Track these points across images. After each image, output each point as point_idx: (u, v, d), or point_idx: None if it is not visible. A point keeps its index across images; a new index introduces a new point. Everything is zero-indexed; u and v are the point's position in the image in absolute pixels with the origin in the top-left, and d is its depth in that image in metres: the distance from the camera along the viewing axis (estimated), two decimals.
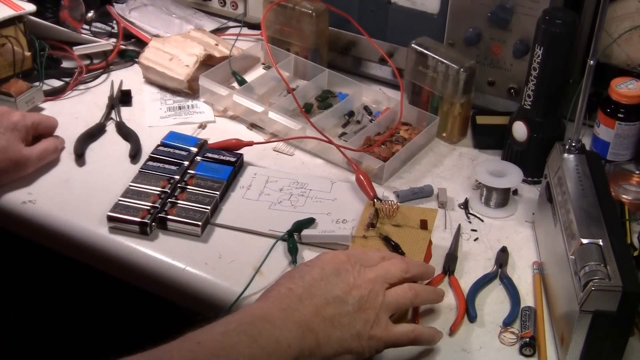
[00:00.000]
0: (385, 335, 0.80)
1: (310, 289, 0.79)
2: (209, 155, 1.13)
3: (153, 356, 0.70)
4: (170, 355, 0.71)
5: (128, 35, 1.43)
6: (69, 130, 1.19)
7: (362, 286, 0.81)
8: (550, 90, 1.08)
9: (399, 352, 0.85)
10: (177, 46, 1.32)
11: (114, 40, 1.42)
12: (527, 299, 0.93)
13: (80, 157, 1.15)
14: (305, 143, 1.19)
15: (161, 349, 0.71)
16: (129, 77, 1.35)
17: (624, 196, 1.05)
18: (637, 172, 1.10)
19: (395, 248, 0.96)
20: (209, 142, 1.17)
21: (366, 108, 1.26)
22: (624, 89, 1.08)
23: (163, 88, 1.32)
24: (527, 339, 0.86)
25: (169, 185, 1.06)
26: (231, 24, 1.51)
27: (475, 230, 1.04)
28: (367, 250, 0.89)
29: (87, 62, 1.37)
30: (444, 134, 1.22)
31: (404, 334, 0.81)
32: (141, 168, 1.10)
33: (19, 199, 1.06)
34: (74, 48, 1.37)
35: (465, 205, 1.09)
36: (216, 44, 1.36)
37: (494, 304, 0.93)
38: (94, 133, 1.20)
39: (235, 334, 0.73)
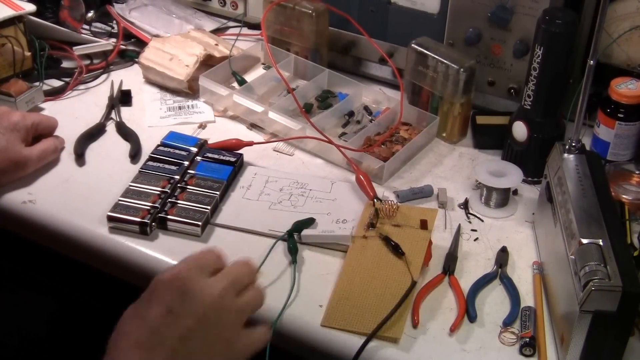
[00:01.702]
0: (248, 345, 0.76)
1: (158, 333, 0.71)
2: (209, 155, 1.13)
3: None
4: None
5: (128, 35, 1.43)
6: (69, 130, 1.19)
7: (211, 307, 0.73)
8: (550, 90, 1.08)
9: (400, 352, 0.86)
10: (177, 46, 1.32)
11: (114, 40, 1.42)
12: (527, 299, 0.93)
13: (80, 157, 1.15)
14: (305, 143, 1.19)
15: None
16: (129, 77, 1.35)
17: (624, 196, 1.05)
18: (637, 172, 1.10)
19: (395, 248, 0.96)
20: (209, 142, 1.17)
21: (366, 108, 1.26)
22: (624, 89, 1.08)
23: (163, 88, 1.32)
24: (527, 339, 0.86)
25: (169, 185, 1.06)
26: (231, 24, 1.51)
27: (475, 230, 1.04)
28: (200, 256, 0.79)
29: (87, 62, 1.37)
30: (444, 134, 1.22)
31: (258, 342, 0.77)
32: (141, 168, 1.10)
33: (19, 199, 1.06)
34: (74, 48, 1.37)
35: (465, 205, 1.09)
36: (216, 44, 1.36)
37: (494, 304, 0.93)
38: (94, 133, 1.20)
39: None
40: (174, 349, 0.70)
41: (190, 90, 1.30)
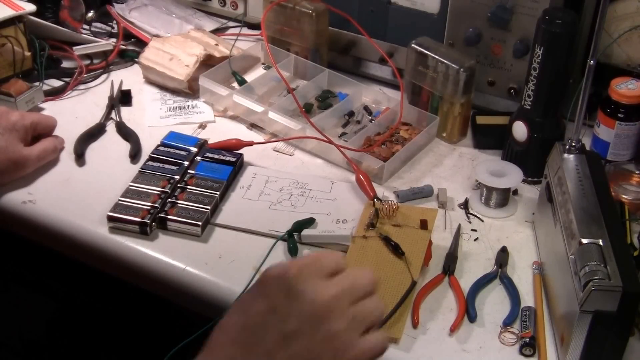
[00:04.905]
0: (359, 355, 0.66)
1: (258, 332, 0.65)
2: (209, 155, 1.13)
3: None
4: None
5: (128, 35, 1.43)
6: (69, 130, 1.19)
7: (321, 309, 0.65)
8: (550, 90, 1.08)
9: (400, 352, 0.86)
10: (177, 46, 1.32)
11: (114, 40, 1.42)
12: (527, 299, 0.93)
13: (80, 157, 1.15)
14: (305, 143, 1.19)
15: None
16: (129, 77, 1.35)
17: (624, 196, 1.05)
18: (637, 172, 1.10)
19: (395, 248, 0.96)
20: (209, 142, 1.17)
21: (366, 108, 1.26)
22: (624, 89, 1.08)
23: (163, 88, 1.32)
24: (527, 339, 0.86)
25: (169, 185, 1.06)
26: (231, 24, 1.51)
27: (475, 230, 1.04)
28: (318, 256, 0.70)
29: (87, 62, 1.37)
30: (444, 134, 1.22)
31: (376, 346, 0.67)
32: (141, 168, 1.10)
33: (19, 199, 1.06)
34: (74, 48, 1.37)
35: (465, 205, 1.09)
36: (216, 44, 1.36)
37: (494, 304, 0.93)
38: (94, 133, 1.20)
39: None
40: (272, 350, 0.64)
41: (190, 90, 1.30)
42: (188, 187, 1.07)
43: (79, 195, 1.08)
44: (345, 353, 0.65)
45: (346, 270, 0.69)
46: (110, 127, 1.23)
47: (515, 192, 1.11)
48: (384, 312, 0.70)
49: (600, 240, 0.82)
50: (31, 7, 1.28)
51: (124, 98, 1.29)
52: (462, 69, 1.15)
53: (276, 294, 0.65)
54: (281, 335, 0.64)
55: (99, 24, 1.46)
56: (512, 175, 1.07)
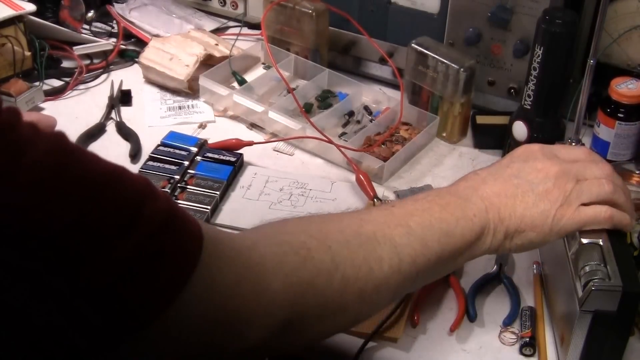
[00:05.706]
0: (576, 215, 0.79)
1: (495, 174, 0.82)
2: (209, 155, 1.13)
3: (356, 215, 0.77)
4: (370, 212, 0.81)
5: (128, 35, 1.43)
6: (69, 130, 1.16)
7: (550, 172, 0.80)
8: (550, 90, 1.08)
9: (400, 352, 0.85)
10: (177, 46, 1.32)
11: (114, 40, 1.42)
12: (527, 299, 0.93)
13: None
14: (305, 143, 1.19)
15: (361, 211, 0.78)
16: (129, 77, 1.35)
17: None
18: (637, 172, 1.10)
19: None
20: (209, 142, 1.17)
21: (366, 108, 1.26)
22: (624, 89, 1.08)
23: (163, 88, 1.32)
24: (527, 339, 0.86)
25: (169, 185, 1.06)
26: (231, 24, 1.51)
27: None
28: (570, 147, 0.88)
29: (87, 62, 1.37)
30: (444, 134, 1.22)
31: (596, 213, 0.80)
32: (141, 168, 1.10)
33: None
34: (74, 48, 1.37)
35: None
36: (216, 44, 1.36)
37: (494, 304, 0.93)
38: (94, 133, 1.20)
39: (426, 202, 0.79)
40: (500, 187, 0.80)
41: (190, 90, 1.30)
42: (188, 187, 1.07)
43: None
44: (563, 207, 0.79)
45: (584, 161, 0.83)
46: (110, 127, 1.23)
47: None
48: (610, 194, 0.80)
49: (600, 240, 0.82)
50: (31, 7, 1.28)
51: (124, 98, 1.29)
52: (462, 69, 1.15)
53: (517, 157, 0.83)
54: (510, 181, 0.80)
55: (99, 24, 1.46)
56: None
